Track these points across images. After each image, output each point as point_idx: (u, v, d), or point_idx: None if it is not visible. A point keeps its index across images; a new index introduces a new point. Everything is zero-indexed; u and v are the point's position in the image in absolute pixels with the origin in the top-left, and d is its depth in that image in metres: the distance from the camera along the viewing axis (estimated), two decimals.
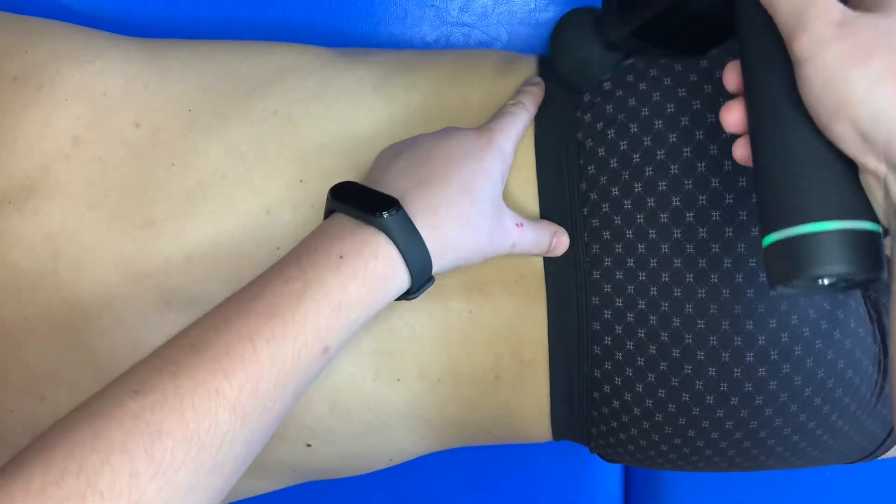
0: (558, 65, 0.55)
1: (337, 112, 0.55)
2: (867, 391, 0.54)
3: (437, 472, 0.85)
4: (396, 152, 0.50)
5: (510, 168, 0.52)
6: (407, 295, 0.47)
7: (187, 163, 0.53)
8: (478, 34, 0.77)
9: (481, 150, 0.49)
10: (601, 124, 0.53)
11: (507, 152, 0.51)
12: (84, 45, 0.57)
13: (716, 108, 0.50)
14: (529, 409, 0.56)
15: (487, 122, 0.52)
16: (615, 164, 0.52)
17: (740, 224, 0.50)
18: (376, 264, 0.44)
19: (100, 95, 0.55)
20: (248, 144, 0.54)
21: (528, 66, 0.58)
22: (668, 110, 0.51)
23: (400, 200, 0.45)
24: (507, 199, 0.52)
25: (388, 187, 0.47)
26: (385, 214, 0.44)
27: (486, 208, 0.48)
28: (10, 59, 0.56)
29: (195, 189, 0.53)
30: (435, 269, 0.46)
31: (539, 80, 0.56)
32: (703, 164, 0.50)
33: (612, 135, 0.52)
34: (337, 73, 0.57)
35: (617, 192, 0.52)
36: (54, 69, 0.55)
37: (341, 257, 0.43)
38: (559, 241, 0.52)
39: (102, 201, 0.53)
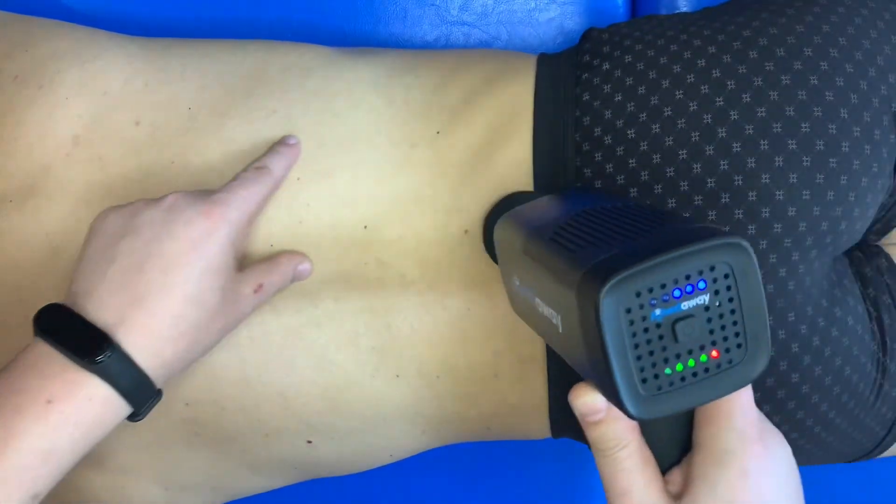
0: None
1: (337, 111, 0.55)
2: (866, 389, 0.54)
3: (437, 471, 0.85)
4: (111, 243, 0.46)
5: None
6: (132, 418, 0.45)
7: (187, 161, 0.54)
8: (478, 33, 0.78)
9: (206, 237, 0.46)
10: (599, 130, 0.53)
11: (240, 222, 0.48)
12: (84, 45, 0.58)
13: (711, 109, 0.50)
14: (528, 406, 0.56)
15: (222, 187, 0.49)
16: (611, 169, 0.52)
17: (736, 223, 0.50)
18: (91, 407, 0.41)
19: (100, 94, 0.55)
20: (247, 143, 0.54)
21: (529, 65, 0.58)
22: (666, 114, 0.51)
23: (115, 331, 0.42)
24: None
25: (102, 308, 0.43)
26: (100, 358, 0.40)
27: (216, 304, 0.46)
28: (11, 59, 0.57)
29: (194, 188, 0.53)
30: (162, 384, 0.45)
31: (295, 140, 0.53)
32: (698, 166, 0.50)
33: (609, 140, 0.52)
34: (337, 72, 0.57)
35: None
36: (55, 68, 0.56)
37: (49, 402, 0.40)
38: (300, 272, 0.52)
39: (102, 200, 0.53)
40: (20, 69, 0.56)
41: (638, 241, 0.37)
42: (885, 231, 0.59)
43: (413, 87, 0.57)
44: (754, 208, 0.49)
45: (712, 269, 0.36)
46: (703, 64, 0.52)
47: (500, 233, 0.47)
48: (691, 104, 0.51)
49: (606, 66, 0.54)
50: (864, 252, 0.58)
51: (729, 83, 0.51)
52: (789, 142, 0.50)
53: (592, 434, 0.42)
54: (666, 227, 0.38)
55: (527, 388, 0.56)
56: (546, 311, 0.40)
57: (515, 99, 0.55)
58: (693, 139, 0.50)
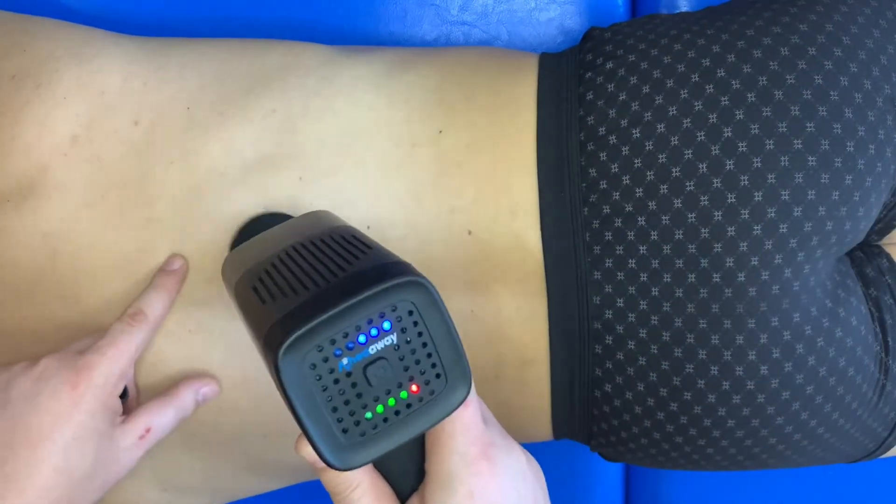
0: None
1: (337, 110, 0.55)
2: (869, 389, 0.54)
3: None
4: None
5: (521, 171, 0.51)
6: None
7: (186, 161, 0.53)
8: (478, 33, 0.77)
9: (72, 408, 0.47)
10: (603, 129, 0.52)
11: (110, 383, 0.48)
12: (83, 44, 0.57)
13: (716, 109, 0.50)
14: (530, 408, 0.56)
15: (93, 346, 0.49)
16: (616, 169, 0.52)
17: (743, 223, 0.50)
18: None
19: (98, 94, 0.55)
20: (246, 143, 0.54)
21: (531, 63, 0.58)
22: (671, 113, 0.51)
23: None
24: (508, 201, 0.52)
25: None
26: None
27: (89, 469, 0.47)
28: (9, 58, 0.56)
29: (194, 187, 0.53)
30: None
31: (179, 263, 0.52)
32: (704, 166, 0.50)
33: (615, 140, 0.52)
34: (337, 71, 0.57)
35: (618, 196, 0.52)
36: (53, 68, 0.55)
37: None
38: (205, 396, 0.52)
39: (101, 200, 0.53)
40: (18, 68, 0.56)
41: (320, 289, 0.37)
42: (886, 231, 0.58)
43: (414, 86, 0.56)
44: (760, 208, 0.49)
45: (394, 309, 0.37)
46: (708, 63, 0.51)
47: (223, 273, 0.47)
48: (696, 103, 0.51)
49: (610, 64, 0.54)
50: (865, 252, 0.58)
51: (734, 82, 0.51)
52: (794, 141, 0.49)
53: (323, 480, 0.43)
54: (349, 271, 0.37)
55: (529, 390, 0.56)
56: (262, 360, 0.40)
57: (518, 98, 0.55)
58: (698, 138, 0.50)
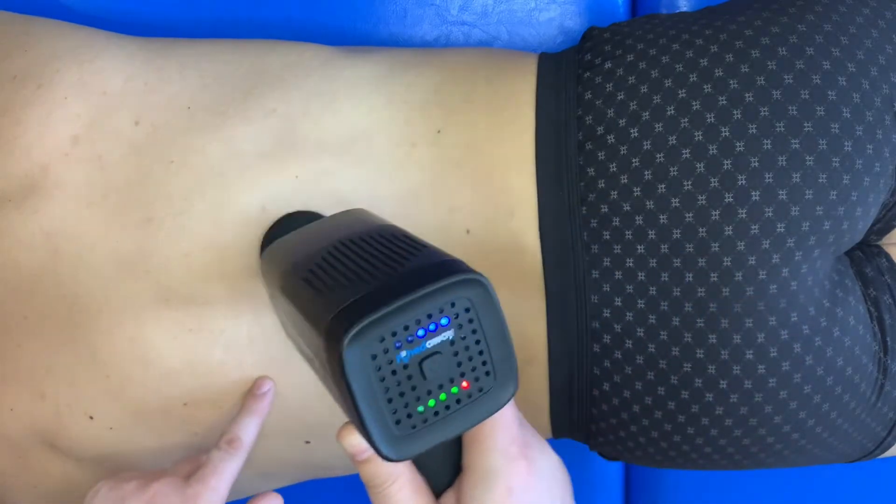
0: None
1: (337, 110, 0.55)
2: (867, 389, 0.54)
3: None
4: None
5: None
6: None
7: (186, 161, 0.54)
8: (478, 33, 0.78)
9: None
10: (602, 128, 0.53)
11: (222, 496, 0.51)
12: (83, 45, 0.58)
13: (714, 108, 0.50)
14: (529, 407, 0.56)
15: (199, 471, 0.51)
16: (614, 168, 0.52)
17: (740, 222, 0.50)
18: None
19: (99, 94, 0.55)
20: (246, 142, 0.54)
21: (530, 63, 0.58)
22: (669, 113, 0.51)
23: None
24: (506, 201, 0.52)
25: None
26: None
27: None
28: (10, 58, 0.56)
29: (194, 187, 0.53)
30: None
31: (268, 386, 0.54)
32: (701, 166, 0.50)
33: (613, 139, 0.52)
34: (337, 71, 0.57)
35: (616, 195, 0.52)
36: (54, 68, 0.55)
37: None
38: None
39: (101, 200, 0.53)
40: (19, 69, 0.56)
41: (381, 282, 0.37)
42: (885, 230, 0.58)
43: (413, 86, 0.56)
44: (757, 208, 0.49)
45: (453, 305, 0.37)
46: (706, 63, 0.52)
47: (264, 265, 0.48)
48: (694, 103, 0.51)
49: (609, 65, 0.54)
50: (864, 252, 0.58)
51: (731, 82, 0.51)
52: (792, 141, 0.50)
53: (362, 472, 0.44)
54: (408, 266, 0.38)
55: (528, 389, 0.56)
56: (307, 351, 0.41)
57: (517, 98, 0.55)
58: (696, 138, 0.50)
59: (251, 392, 0.54)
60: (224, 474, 0.51)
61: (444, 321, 0.37)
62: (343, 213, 0.49)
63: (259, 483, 0.61)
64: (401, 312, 0.36)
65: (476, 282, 0.38)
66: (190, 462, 0.52)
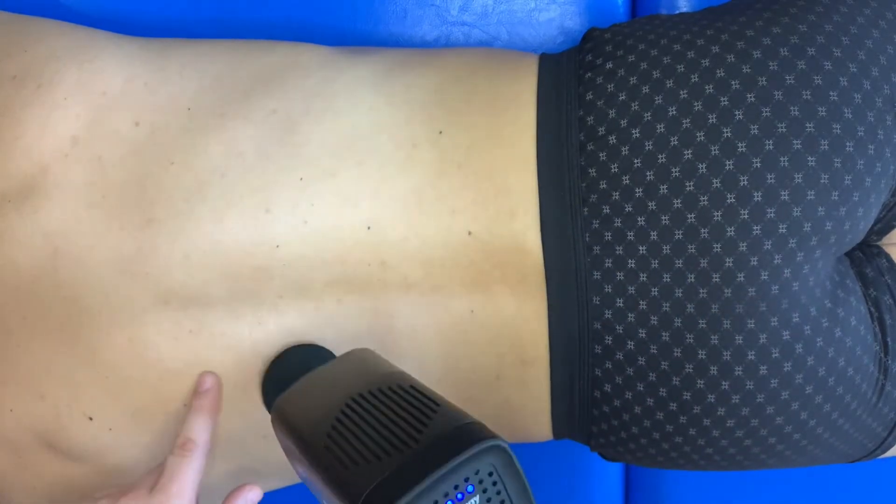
0: None
1: (337, 110, 0.55)
2: (868, 389, 0.54)
3: None
4: None
5: None
6: None
7: (186, 162, 0.53)
8: (478, 33, 0.78)
9: None
10: (603, 129, 0.53)
11: (188, 500, 0.50)
12: (83, 45, 0.57)
13: (716, 109, 0.50)
14: (530, 409, 0.56)
15: (159, 482, 0.51)
16: (616, 169, 0.52)
17: (742, 223, 0.50)
18: None
19: (99, 95, 0.55)
20: (247, 143, 0.54)
21: (531, 64, 0.58)
22: (671, 113, 0.51)
23: None
24: (508, 202, 0.52)
25: None
26: None
27: None
28: (10, 59, 0.56)
29: (194, 188, 0.53)
30: None
31: (210, 382, 0.53)
32: (703, 166, 0.50)
33: (614, 140, 0.52)
34: (337, 71, 0.57)
35: (618, 196, 0.52)
36: (53, 68, 0.55)
37: None
38: (254, 500, 0.54)
39: (101, 200, 0.53)
40: (18, 69, 0.56)
41: (405, 457, 0.39)
42: (886, 231, 0.59)
43: (414, 87, 0.56)
44: (759, 208, 0.49)
45: (477, 472, 0.39)
46: (707, 63, 0.52)
47: (276, 421, 0.48)
48: (696, 104, 0.51)
49: (610, 65, 0.54)
50: (864, 252, 0.58)
51: (733, 83, 0.51)
52: (794, 142, 0.50)
53: None
54: (428, 435, 0.40)
55: (529, 390, 0.56)
56: None
57: (518, 98, 0.55)
58: (698, 139, 0.50)
59: (195, 391, 0.53)
60: (183, 478, 0.50)
61: (469, 489, 0.39)
62: (348, 356, 0.50)
63: (259, 483, 0.61)
64: (430, 490, 0.37)
65: (498, 448, 0.39)
66: (154, 472, 0.52)
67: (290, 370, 0.51)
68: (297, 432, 0.45)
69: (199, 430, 0.52)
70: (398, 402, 0.43)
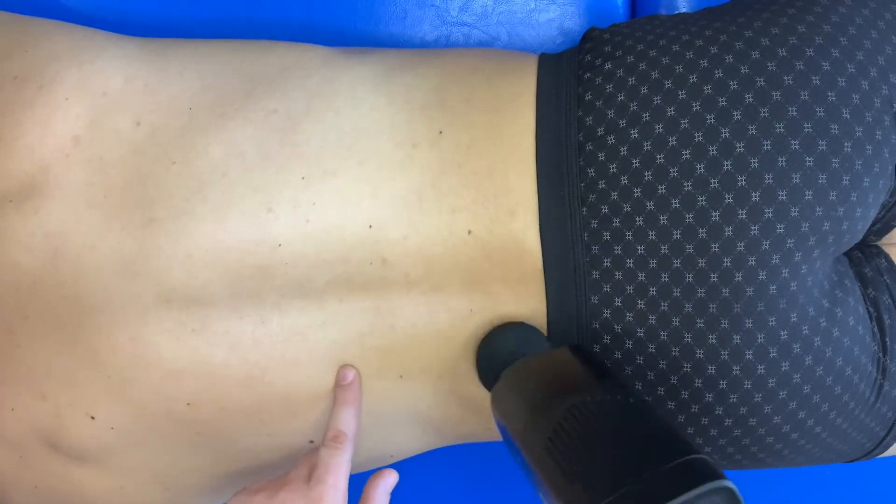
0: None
1: (338, 110, 0.55)
2: (866, 389, 0.54)
3: (437, 471, 0.85)
4: None
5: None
6: None
7: (187, 162, 0.54)
8: (478, 34, 0.78)
9: None
10: (602, 129, 0.53)
11: (342, 490, 0.52)
12: (84, 45, 0.58)
13: (714, 109, 0.51)
14: None
15: (315, 471, 0.52)
16: (614, 169, 0.52)
17: (739, 223, 0.50)
18: None
19: (100, 95, 0.55)
20: (248, 143, 0.54)
21: (530, 64, 0.58)
22: (669, 114, 0.51)
23: None
24: (507, 201, 0.53)
25: None
26: None
27: None
28: (10, 59, 0.56)
29: (195, 188, 0.53)
30: None
31: (352, 375, 0.55)
32: (701, 166, 0.50)
33: (613, 140, 0.52)
34: (338, 72, 0.57)
35: (616, 196, 0.52)
36: (54, 69, 0.55)
37: None
38: (393, 484, 0.54)
39: (102, 200, 0.53)
40: (19, 69, 0.56)
41: (629, 484, 0.38)
42: (884, 231, 0.59)
43: (414, 87, 0.57)
44: (757, 208, 0.50)
45: None
46: (706, 64, 0.52)
47: (496, 399, 0.49)
48: (694, 104, 0.51)
49: (608, 65, 0.54)
50: (863, 252, 0.59)
51: (732, 83, 0.51)
52: (792, 142, 0.50)
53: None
54: (655, 463, 0.39)
55: None
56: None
57: (517, 98, 0.55)
58: (697, 139, 0.50)
59: (337, 383, 0.54)
60: (339, 470, 0.52)
61: None
62: (563, 351, 0.50)
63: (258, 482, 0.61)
64: None
65: (726, 490, 0.39)
66: (305, 463, 0.53)
67: (505, 349, 0.52)
68: (516, 420, 0.46)
69: (348, 421, 0.53)
70: (623, 417, 0.43)
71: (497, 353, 0.52)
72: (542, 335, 0.53)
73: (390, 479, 0.54)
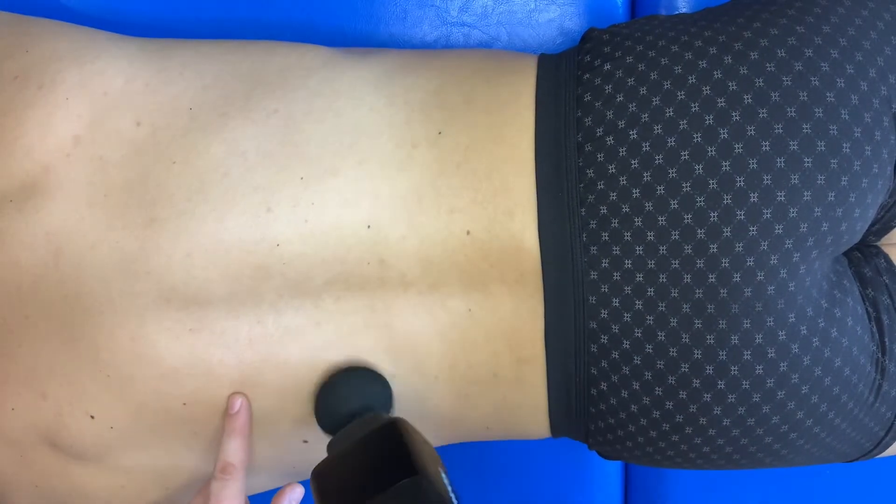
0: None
1: (339, 110, 0.55)
2: (865, 389, 0.54)
3: None
4: None
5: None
6: None
7: (188, 161, 0.54)
8: (478, 34, 0.78)
9: None
10: (601, 130, 0.53)
11: None
12: (85, 45, 0.58)
13: (713, 110, 0.51)
14: (527, 407, 0.57)
15: (207, 500, 0.53)
16: (613, 170, 0.52)
17: (738, 224, 0.50)
18: None
19: (100, 95, 0.55)
20: (249, 143, 0.54)
21: (530, 65, 0.58)
22: (668, 115, 0.51)
23: None
24: (506, 202, 0.53)
25: None
26: None
27: None
28: (11, 59, 0.57)
29: (197, 187, 0.53)
30: None
31: (238, 404, 0.54)
32: (700, 167, 0.50)
33: (612, 141, 0.52)
34: (338, 72, 0.57)
35: (615, 197, 0.52)
36: (55, 69, 0.56)
37: None
38: (298, 498, 0.56)
39: (103, 200, 0.53)
40: (20, 69, 0.56)
41: None
42: (884, 231, 0.59)
43: (414, 88, 0.57)
44: (755, 209, 0.50)
45: None
46: (705, 65, 0.52)
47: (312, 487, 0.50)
48: (693, 105, 0.51)
49: (608, 66, 0.54)
50: (862, 252, 0.59)
51: (730, 84, 0.51)
52: (791, 143, 0.50)
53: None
54: None
55: (526, 388, 0.56)
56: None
57: (517, 99, 0.55)
58: (695, 140, 0.50)
59: (226, 412, 0.54)
60: (229, 502, 0.52)
61: None
62: (380, 433, 0.50)
63: (257, 482, 0.61)
64: None
65: None
66: (201, 495, 0.54)
67: (343, 406, 0.53)
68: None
69: (235, 452, 0.54)
70: None
71: (337, 406, 0.53)
72: (385, 384, 0.54)
73: (296, 492, 0.55)
